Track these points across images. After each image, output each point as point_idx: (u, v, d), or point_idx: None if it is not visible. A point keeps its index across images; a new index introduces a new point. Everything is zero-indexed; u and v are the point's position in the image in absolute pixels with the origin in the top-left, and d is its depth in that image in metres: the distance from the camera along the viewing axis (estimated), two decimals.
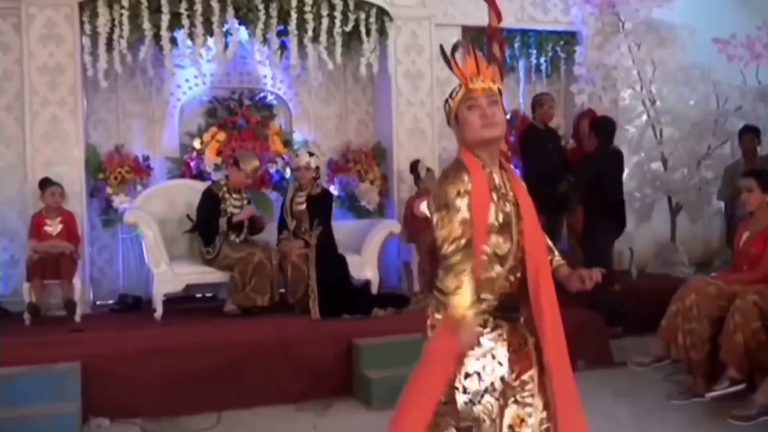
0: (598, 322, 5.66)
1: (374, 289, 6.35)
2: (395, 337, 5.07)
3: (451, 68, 2.55)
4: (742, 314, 4.40)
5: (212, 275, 6.06)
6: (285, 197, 6.36)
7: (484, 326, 2.49)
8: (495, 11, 5.09)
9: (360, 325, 5.45)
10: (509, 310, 2.54)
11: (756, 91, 7.64)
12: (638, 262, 7.65)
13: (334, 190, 7.08)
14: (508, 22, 6.54)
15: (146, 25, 6.24)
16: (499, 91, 2.58)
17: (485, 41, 6.31)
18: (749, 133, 7.00)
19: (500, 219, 2.47)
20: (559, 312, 2.54)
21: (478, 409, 2.51)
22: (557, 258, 2.70)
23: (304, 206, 6.13)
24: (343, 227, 6.56)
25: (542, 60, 8.03)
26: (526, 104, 7.64)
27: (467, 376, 2.51)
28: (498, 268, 2.48)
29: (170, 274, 5.95)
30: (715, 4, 8.10)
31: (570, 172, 6.86)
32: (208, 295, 6.78)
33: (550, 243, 2.68)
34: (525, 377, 2.55)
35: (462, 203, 2.40)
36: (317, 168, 6.30)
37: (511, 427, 2.53)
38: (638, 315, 5.73)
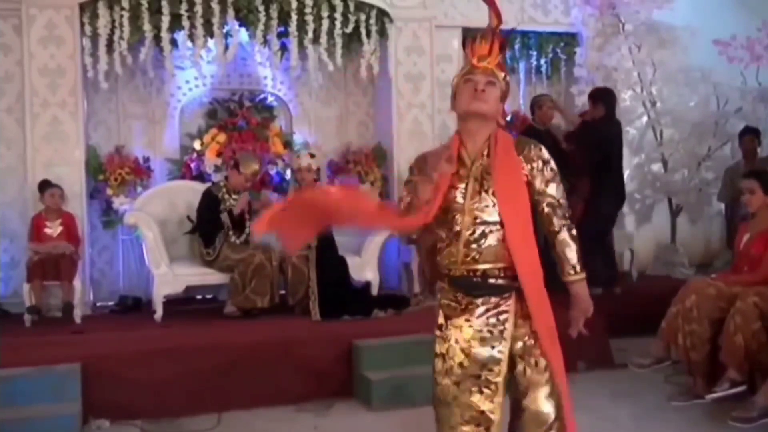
0: (599, 323, 5.66)
1: (374, 291, 6.35)
2: (395, 338, 5.07)
3: (465, 49, 2.71)
4: (742, 315, 4.39)
5: (212, 277, 6.06)
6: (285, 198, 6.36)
7: (456, 308, 2.61)
8: (495, 12, 5.08)
9: (360, 326, 5.45)
10: (478, 288, 2.60)
11: (756, 92, 7.65)
12: (638, 263, 7.66)
13: None
14: (509, 23, 6.52)
15: (146, 26, 6.24)
16: (506, 82, 2.67)
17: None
18: (749, 134, 7.01)
19: (450, 193, 2.59)
20: (542, 284, 2.62)
21: (437, 389, 2.64)
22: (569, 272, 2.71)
23: None
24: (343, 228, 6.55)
25: (542, 61, 8.03)
26: (527, 105, 7.64)
27: (435, 355, 2.67)
28: (455, 242, 2.58)
29: (170, 276, 5.95)
30: (716, 5, 8.10)
31: (570, 172, 6.85)
32: (209, 296, 6.79)
33: (569, 255, 2.68)
34: (492, 359, 2.60)
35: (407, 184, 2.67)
36: (317, 169, 6.31)
37: (469, 406, 2.60)
38: (639, 316, 5.73)
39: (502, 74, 2.65)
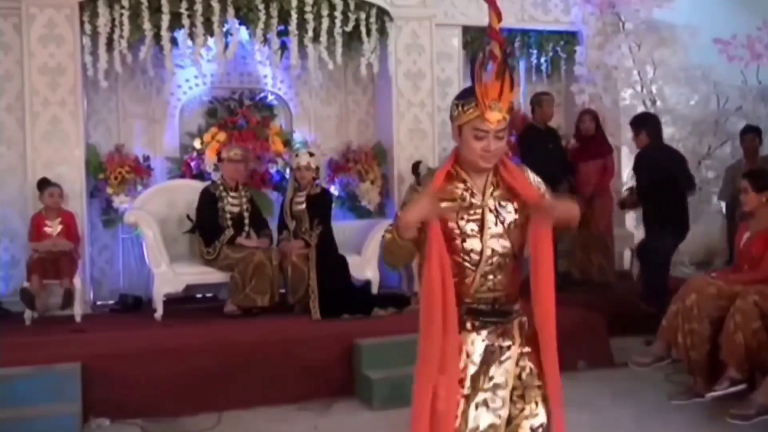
0: (598, 322, 5.66)
1: (375, 289, 6.35)
2: (396, 337, 5.06)
3: (473, 82, 2.51)
4: (742, 314, 4.39)
5: (212, 275, 6.06)
6: (285, 197, 6.36)
7: (466, 328, 2.56)
8: (495, 11, 5.08)
9: (360, 325, 5.45)
10: (490, 315, 2.59)
11: (756, 91, 7.65)
12: (639, 262, 7.64)
13: (334, 190, 7.08)
14: (509, 22, 6.53)
15: (146, 25, 6.24)
16: (511, 108, 2.54)
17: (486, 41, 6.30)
18: (750, 133, 6.99)
19: (463, 227, 2.52)
20: (552, 314, 2.61)
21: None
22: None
23: (303, 206, 6.13)
24: (343, 227, 6.56)
25: (543, 60, 8.03)
26: (527, 105, 7.64)
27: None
28: (471, 273, 2.54)
29: (170, 275, 5.95)
30: (716, 4, 8.10)
31: (570, 172, 6.86)
32: (209, 295, 6.79)
33: None
34: (498, 380, 2.58)
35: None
36: (317, 168, 6.31)
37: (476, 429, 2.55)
38: (639, 315, 5.74)
39: (509, 105, 2.52)
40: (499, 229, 2.54)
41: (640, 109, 7.69)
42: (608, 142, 7.16)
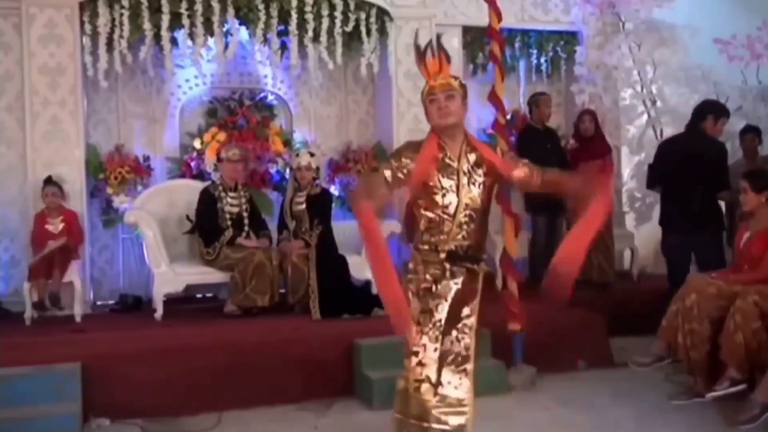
0: (598, 322, 5.66)
1: (375, 289, 6.34)
2: (396, 337, 5.02)
3: (418, 66, 3.21)
4: (742, 314, 4.39)
5: (212, 275, 6.06)
6: (285, 197, 6.36)
7: (443, 274, 3.19)
8: (495, 11, 5.08)
9: (360, 325, 5.45)
10: (465, 260, 3.22)
11: (756, 91, 7.64)
12: (639, 262, 7.65)
13: (334, 190, 7.08)
14: (509, 22, 6.52)
15: (146, 25, 6.24)
16: (462, 85, 3.19)
17: (486, 41, 6.31)
18: (750, 133, 6.99)
19: (443, 184, 3.16)
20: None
21: (425, 339, 3.20)
22: None
23: (303, 206, 6.13)
24: (343, 227, 6.55)
25: (543, 60, 8.02)
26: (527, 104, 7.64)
27: (422, 312, 3.22)
28: (449, 223, 3.17)
29: (171, 274, 5.95)
30: (716, 4, 8.10)
31: (570, 172, 6.85)
32: (209, 295, 6.79)
33: None
34: (465, 312, 3.26)
35: (398, 161, 3.14)
36: (317, 168, 6.31)
37: (445, 352, 3.22)
38: (639, 315, 5.74)
39: (457, 82, 3.18)
40: (471, 187, 3.17)
41: (640, 109, 7.70)
42: (607, 142, 7.16)
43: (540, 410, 4.61)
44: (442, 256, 3.18)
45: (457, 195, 3.16)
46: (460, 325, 3.24)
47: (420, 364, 3.19)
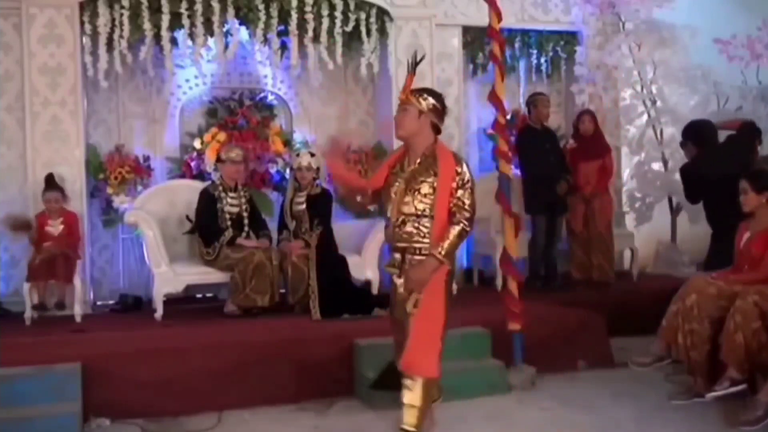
0: (598, 322, 5.66)
1: (375, 289, 6.35)
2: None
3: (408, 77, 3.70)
4: (742, 314, 4.39)
5: (213, 276, 6.06)
6: (285, 197, 6.36)
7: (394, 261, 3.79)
8: (495, 11, 5.08)
9: (360, 325, 5.44)
10: (402, 259, 3.74)
11: (756, 91, 7.66)
12: (639, 262, 7.65)
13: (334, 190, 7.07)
14: (509, 22, 6.53)
15: (146, 25, 6.25)
16: (424, 99, 3.70)
17: (486, 41, 6.31)
18: None
19: (390, 190, 3.72)
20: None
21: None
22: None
23: (303, 206, 6.13)
24: (343, 227, 6.56)
25: (543, 60, 8.03)
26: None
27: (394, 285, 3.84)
28: (389, 224, 3.74)
29: (171, 275, 5.95)
30: (716, 4, 8.11)
31: (569, 172, 6.85)
32: (209, 295, 6.79)
33: (449, 236, 3.65)
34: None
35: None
36: (317, 168, 6.31)
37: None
38: (639, 315, 5.74)
39: (416, 97, 3.69)
40: (407, 195, 3.64)
41: (640, 109, 7.70)
42: (607, 142, 7.16)
43: (540, 410, 4.60)
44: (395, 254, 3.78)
45: (395, 200, 3.69)
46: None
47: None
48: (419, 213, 3.63)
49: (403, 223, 3.66)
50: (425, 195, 3.62)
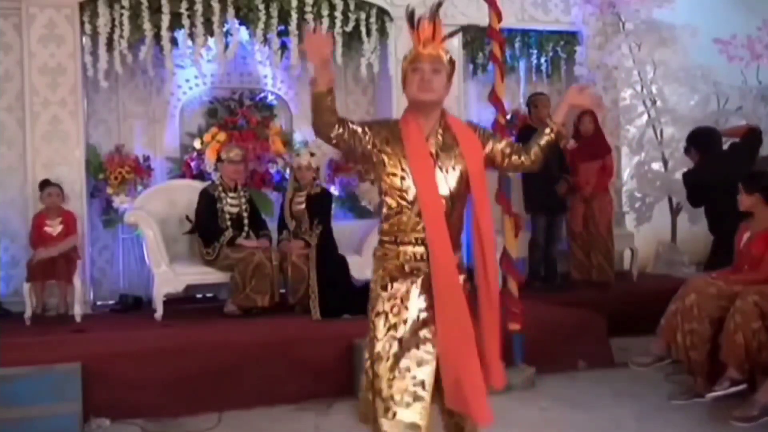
0: (598, 322, 5.66)
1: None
2: None
3: (410, 31, 2.88)
4: (742, 314, 4.39)
5: (213, 276, 6.06)
6: (285, 197, 6.36)
7: (401, 272, 2.77)
8: (495, 11, 5.08)
9: (361, 325, 5.37)
10: (424, 259, 2.73)
11: (756, 91, 7.65)
12: (639, 262, 7.65)
13: (334, 190, 7.08)
14: (509, 22, 6.52)
15: (146, 25, 6.25)
16: (452, 61, 2.82)
17: (486, 41, 6.30)
18: None
19: (405, 166, 2.69)
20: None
21: (378, 346, 2.82)
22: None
23: (303, 206, 6.13)
24: (343, 227, 6.56)
25: (543, 60, 8.02)
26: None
27: (377, 314, 2.89)
28: (408, 212, 2.69)
29: (171, 275, 5.95)
30: (716, 4, 8.11)
31: (568, 172, 6.86)
32: (209, 295, 6.79)
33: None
34: (427, 317, 2.74)
35: (364, 132, 2.79)
36: (317, 168, 6.31)
37: (408, 368, 2.72)
38: (639, 315, 5.74)
39: (447, 56, 2.81)
40: (438, 173, 2.68)
41: (640, 109, 7.69)
42: (607, 143, 7.16)
43: (540, 410, 4.60)
44: (401, 249, 2.74)
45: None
46: (420, 336, 2.77)
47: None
48: (456, 195, 2.74)
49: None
50: (456, 171, 2.73)
